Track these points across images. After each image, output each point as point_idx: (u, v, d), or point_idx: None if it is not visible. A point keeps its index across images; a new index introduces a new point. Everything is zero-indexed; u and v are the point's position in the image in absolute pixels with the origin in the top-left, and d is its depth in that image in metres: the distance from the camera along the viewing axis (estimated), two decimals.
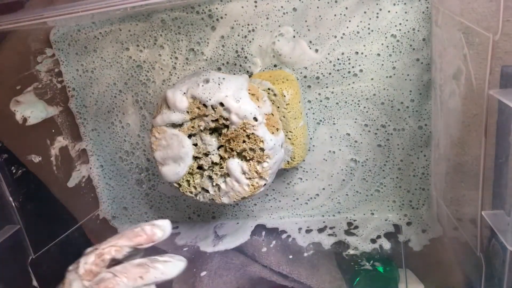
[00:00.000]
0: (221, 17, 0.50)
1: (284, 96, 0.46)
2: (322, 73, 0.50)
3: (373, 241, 0.51)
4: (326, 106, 0.51)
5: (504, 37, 0.30)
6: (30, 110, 0.53)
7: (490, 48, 0.31)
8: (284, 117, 0.47)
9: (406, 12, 0.46)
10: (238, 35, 0.50)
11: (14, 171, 0.51)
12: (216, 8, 0.50)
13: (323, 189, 0.55)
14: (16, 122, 0.52)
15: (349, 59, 0.48)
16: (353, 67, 0.49)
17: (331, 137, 0.52)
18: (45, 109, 0.55)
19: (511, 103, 0.29)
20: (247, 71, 0.52)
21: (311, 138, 0.53)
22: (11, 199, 0.49)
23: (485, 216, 0.33)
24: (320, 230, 0.54)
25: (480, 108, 0.33)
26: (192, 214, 0.61)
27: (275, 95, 0.46)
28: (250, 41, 0.50)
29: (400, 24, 0.46)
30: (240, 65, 0.52)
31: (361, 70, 0.49)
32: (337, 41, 0.48)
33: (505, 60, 0.32)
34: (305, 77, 0.50)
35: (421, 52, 0.47)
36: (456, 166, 0.42)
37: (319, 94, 0.51)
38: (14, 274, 0.48)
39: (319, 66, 0.49)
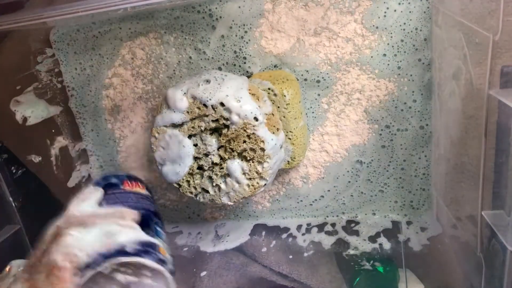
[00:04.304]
0: (220, 17, 0.50)
1: (285, 96, 0.46)
2: (323, 74, 0.49)
3: (373, 239, 0.51)
4: (327, 106, 0.51)
5: (504, 37, 0.30)
6: (31, 109, 0.53)
7: (490, 48, 0.31)
8: (284, 117, 0.47)
9: (410, 12, 0.46)
10: (236, 35, 0.50)
11: (14, 171, 0.51)
12: (216, 8, 0.50)
13: (328, 190, 0.55)
14: (16, 122, 0.52)
15: (353, 60, 0.48)
16: (357, 67, 0.49)
17: (338, 135, 0.52)
18: (46, 108, 0.55)
19: (511, 103, 0.29)
20: (247, 71, 0.52)
21: (313, 139, 0.53)
22: (11, 199, 0.49)
23: (485, 216, 0.33)
24: (320, 230, 0.54)
25: (480, 108, 0.33)
26: (192, 214, 0.61)
27: (275, 95, 0.46)
28: (247, 42, 0.50)
29: (405, 23, 0.46)
30: (240, 66, 0.51)
31: (365, 71, 0.48)
32: (341, 40, 0.48)
33: (505, 60, 0.32)
34: (305, 80, 0.50)
35: (423, 52, 0.47)
36: (456, 166, 0.42)
37: (318, 94, 0.50)
38: None
39: (321, 66, 0.49)
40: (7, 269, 0.38)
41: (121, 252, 0.31)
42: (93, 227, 0.33)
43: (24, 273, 0.32)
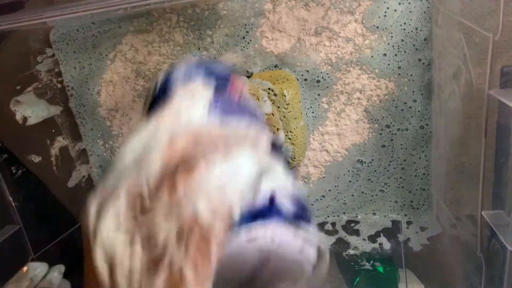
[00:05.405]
0: (222, 17, 0.50)
1: (285, 96, 0.46)
2: (323, 74, 0.49)
3: (373, 239, 0.51)
4: (327, 106, 0.51)
5: (504, 37, 0.30)
6: (31, 109, 0.53)
7: (490, 48, 0.31)
8: (284, 117, 0.47)
9: (410, 12, 0.46)
10: (237, 35, 0.50)
11: (14, 171, 0.51)
12: (217, 7, 0.50)
13: (329, 190, 0.55)
14: (16, 122, 0.52)
15: (353, 59, 0.48)
16: (357, 67, 0.49)
17: (338, 135, 0.52)
18: (47, 108, 0.55)
19: (511, 103, 0.29)
20: (247, 71, 0.52)
21: (313, 139, 0.53)
22: (11, 199, 0.49)
23: (485, 216, 0.33)
24: (320, 229, 0.54)
25: (480, 108, 0.33)
26: None
27: (275, 95, 0.46)
28: (248, 42, 0.50)
29: (405, 23, 0.46)
30: (240, 66, 0.51)
31: (366, 70, 0.48)
32: (342, 40, 0.48)
33: (505, 60, 0.32)
34: (305, 80, 0.50)
35: (423, 52, 0.47)
36: (456, 166, 0.42)
37: (319, 94, 0.50)
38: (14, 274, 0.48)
39: (322, 66, 0.49)
40: (24, 269, 0.36)
41: (275, 210, 0.18)
42: (236, 156, 0.18)
43: (128, 221, 0.18)
